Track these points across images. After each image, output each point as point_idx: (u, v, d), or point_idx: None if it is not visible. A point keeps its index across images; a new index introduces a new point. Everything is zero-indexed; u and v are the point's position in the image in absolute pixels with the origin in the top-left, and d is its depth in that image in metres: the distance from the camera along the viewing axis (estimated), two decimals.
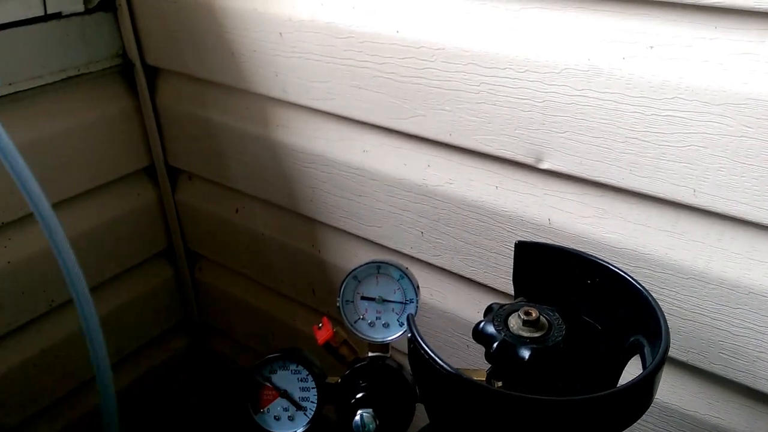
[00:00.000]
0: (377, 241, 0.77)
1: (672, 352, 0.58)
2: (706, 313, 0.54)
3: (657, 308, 0.43)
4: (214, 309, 1.10)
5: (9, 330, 0.83)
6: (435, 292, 0.75)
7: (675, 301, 0.56)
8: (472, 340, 0.45)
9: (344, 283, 0.48)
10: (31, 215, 0.60)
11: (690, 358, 0.57)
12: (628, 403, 0.39)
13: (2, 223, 0.78)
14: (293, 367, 0.48)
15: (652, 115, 0.50)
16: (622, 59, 0.50)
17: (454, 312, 0.73)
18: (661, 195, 0.53)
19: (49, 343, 0.88)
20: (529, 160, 0.59)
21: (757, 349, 0.53)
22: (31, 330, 0.86)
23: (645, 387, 0.38)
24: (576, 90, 0.53)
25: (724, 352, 0.55)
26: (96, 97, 0.86)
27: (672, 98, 0.48)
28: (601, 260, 0.47)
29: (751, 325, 0.52)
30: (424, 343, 0.40)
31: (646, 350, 0.43)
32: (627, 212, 0.56)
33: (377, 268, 0.48)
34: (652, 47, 0.48)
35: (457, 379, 0.38)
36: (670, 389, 0.61)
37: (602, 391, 0.37)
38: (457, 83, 0.60)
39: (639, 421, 0.64)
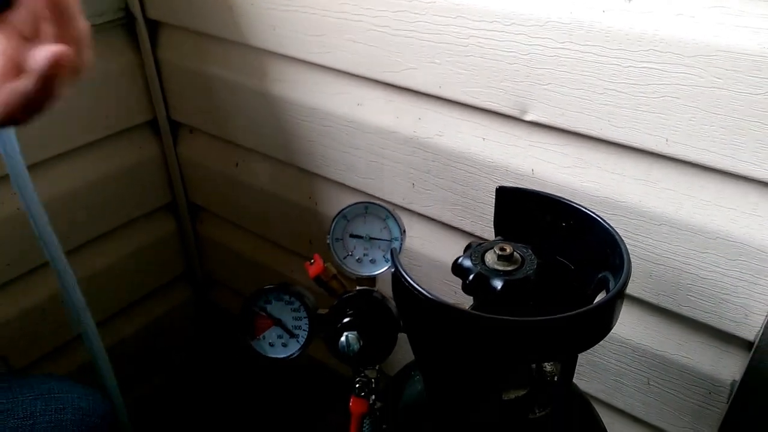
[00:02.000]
0: (371, 193, 0.80)
1: (644, 295, 0.62)
2: (676, 258, 0.58)
3: (622, 245, 0.46)
4: (215, 261, 1.14)
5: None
6: (425, 242, 0.79)
7: (648, 247, 0.59)
8: (460, 288, 0.48)
9: (334, 222, 0.52)
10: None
11: (660, 301, 0.61)
12: (588, 326, 0.42)
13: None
14: (287, 298, 0.52)
15: (629, 66, 0.52)
16: (602, 12, 0.52)
17: (443, 260, 0.77)
18: (636, 145, 0.55)
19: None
20: (514, 112, 0.62)
21: (723, 292, 0.56)
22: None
23: (604, 312, 0.42)
24: (558, 43, 0.55)
25: (692, 294, 0.58)
26: (99, 51, 0.87)
27: (647, 50, 0.51)
28: (574, 203, 0.50)
29: (717, 269, 0.56)
30: (405, 273, 0.44)
31: (611, 284, 0.46)
32: (604, 162, 0.59)
33: (365, 208, 0.52)
34: (630, 0, 0.50)
35: (434, 303, 0.41)
36: (643, 331, 0.65)
37: (562, 314, 0.40)
38: (447, 36, 0.62)
39: (614, 361, 0.68)
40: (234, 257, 1.08)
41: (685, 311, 0.60)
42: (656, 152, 0.55)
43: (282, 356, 0.52)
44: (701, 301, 0.58)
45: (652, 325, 0.64)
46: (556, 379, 0.54)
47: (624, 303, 0.63)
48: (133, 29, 0.91)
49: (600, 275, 0.49)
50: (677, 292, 0.59)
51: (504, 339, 0.42)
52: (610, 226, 0.48)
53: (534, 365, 0.55)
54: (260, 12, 0.76)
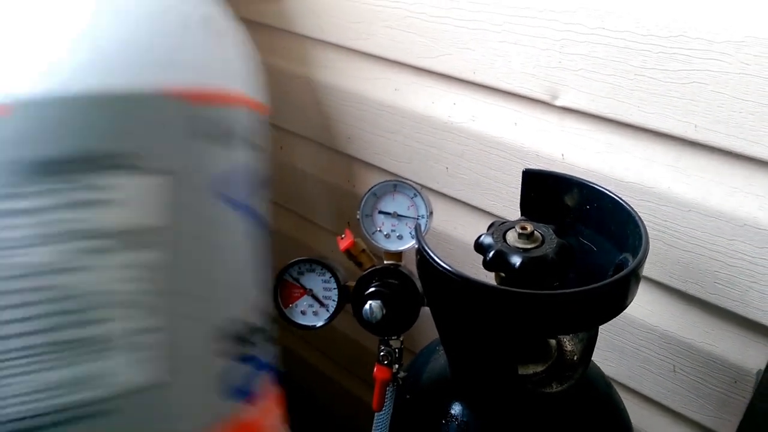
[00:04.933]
0: (407, 176, 0.83)
1: (672, 282, 0.62)
2: (703, 245, 0.58)
3: (642, 226, 0.47)
4: None
5: None
6: (458, 226, 0.81)
7: (675, 233, 0.60)
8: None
9: (364, 199, 0.54)
10: None
11: (688, 288, 0.61)
12: (603, 302, 0.44)
13: None
14: (318, 269, 0.55)
15: (660, 53, 0.53)
16: None
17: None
18: (665, 131, 0.56)
19: None
20: (545, 97, 0.63)
21: (750, 279, 0.56)
22: None
23: (618, 288, 0.43)
24: (589, 29, 0.56)
25: (719, 282, 0.59)
26: None
27: (677, 36, 0.51)
28: (597, 186, 0.51)
29: (745, 256, 0.56)
30: (428, 248, 0.46)
31: (629, 264, 0.47)
32: (634, 147, 0.59)
33: (394, 186, 0.54)
34: None
35: (453, 275, 0.44)
36: (670, 318, 0.65)
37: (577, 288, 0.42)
38: (481, 23, 0.64)
39: (641, 348, 0.68)
40: (277, 236, 1.12)
41: (712, 299, 0.60)
42: (685, 138, 0.55)
43: (311, 324, 0.55)
44: (728, 288, 0.58)
45: (680, 312, 0.64)
46: (576, 358, 0.56)
47: (652, 290, 0.64)
48: None
49: (621, 257, 0.50)
50: (704, 279, 0.59)
51: (521, 312, 0.43)
52: (632, 208, 0.49)
53: (555, 344, 0.57)
54: (304, 0, 0.79)
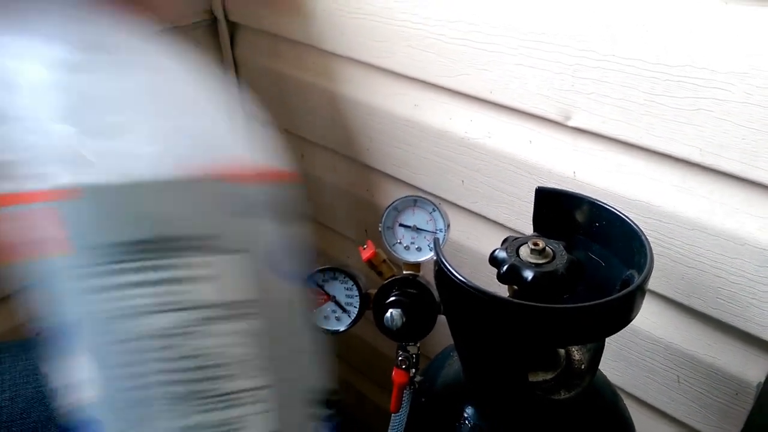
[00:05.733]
0: (423, 188, 0.86)
1: (677, 296, 0.65)
2: (706, 262, 0.61)
3: (647, 245, 0.50)
4: None
5: None
6: (472, 236, 0.84)
7: (680, 250, 0.62)
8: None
9: (386, 212, 0.58)
10: None
11: (692, 303, 0.64)
12: (609, 315, 0.47)
13: None
14: (341, 277, 0.58)
15: (667, 80, 0.56)
16: (642, 27, 0.56)
17: (487, 253, 0.82)
18: (672, 153, 0.59)
19: None
20: (558, 118, 0.66)
21: (750, 296, 0.59)
22: None
23: (624, 303, 0.46)
24: (601, 55, 0.59)
25: (721, 297, 0.61)
26: (185, 49, 0.98)
27: (684, 65, 0.54)
28: (607, 205, 0.55)
29: (746, 274, 0.59)
30: (446, 261, 0.50)
31: (635, 281, 0.50)
32: (643, 168, 0.63)
33: (414, 201, 0.58)
34: (669, 18, 0.54)
35: (469, 287, 0.47)
36: (675, 331, 0.68)
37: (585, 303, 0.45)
38: (499, 46, 0.67)
39: (646, 358, 0.71)
40: None
41: (714, 313, 0.63)
42: (691, 161, 0.58)
43: (334, 329, 0.59)
44: (730, 304, 0.61)
45: (684, 325, 0.67)
46: (583, 367, 0.59)
47: (657, 303, 0.67)
48: (216, 30, 1.01)
49: (627, 273, 0.53)
50: (707, 294, 0.62)
51: (532, 323, 0.47)
52: (638, 227, 0.52)
53: (564, 353, 0.60)
54: (330, 18, 0.83)
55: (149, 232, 0.24)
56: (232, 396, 0.25)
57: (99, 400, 0.26)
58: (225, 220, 0.26)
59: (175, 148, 0.25)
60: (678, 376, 0.69)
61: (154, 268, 0.24)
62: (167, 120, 0.26)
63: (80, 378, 0.26)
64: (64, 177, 0.24)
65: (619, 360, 0.74)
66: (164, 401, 0.24)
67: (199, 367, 0.24)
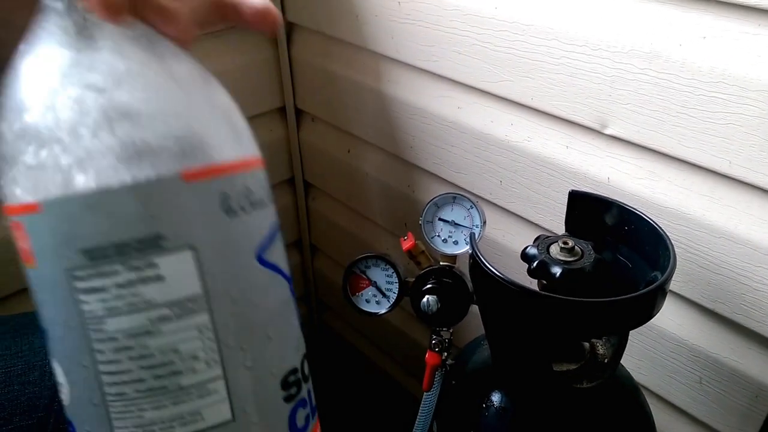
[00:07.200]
0: (463, 186, 0.91)
1: (702, 301, 0.68)
2: (732, 269, 0.64)
3: (671, 249, 0.53)
4: (321, 233, 1.30)
5: None
6: (507, 234, 0.88)
7: (707, 257, 0.65)
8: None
9: (427, 207, 0.63)
10: None
11: (716, 307, 0.67)
12: (631, 311, 0.51)
13: None
14: (383, 265, 0.64)
15: (700, 95, 0.59)
16: (678, 45, 0.59)
17: (519, 251, 0.86)
18: (702, 164, 0.62)
19: None
20: (595, 126, 0.70)
21: None
22: None
23: (645, 300, 0.50)
24: (639, 69, 0.63)
25: (745, 303, 0.64)
26: (246, 46, 1.05)
27: (716, 82, 0.57)
28: (636, 210, 0.58)
29: None
30: (481, 254, 0.54)
31: (657, 281, 0.54)
32: (674, 176, 0.66)
33: (453, 198, 0.62)
34: (704, 38, 0.57)
35: (501, 280, 0.52)
36: (699, 333, 0.71)
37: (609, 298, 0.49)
38: (541, 55, 0.71)
39: (671, 359, 0.74)
40: (338, 232, 1.23)
41: (738, 318, 0.65)
42: (720, 172, 0.61)
43: (375, 311, 0.64)
44: (753, 310, 0.64)
45: (708, 328, 0.70)
46: (606, 361, 0.63)
47: (683, 306, 0.70)
48: None
49: (652, 274, 0.57)
50: (732, 300, 0.65)
51: (559, 315, 0.51)
52: (664, 232, 0.55)
53: (588, 347, 0.64)
54: (382, 22, 0.88)
55: (101, 240, 0.26)
56: (180, 390, 0.27)
57: (67, 402, 0.29)
58: (182, 219, 0.27)
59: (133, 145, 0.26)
60: (701, 377, 0.72)
61: (112, 274, 0.26)
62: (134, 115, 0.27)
63: (59, 380, 0.29)
64: (27, 191, 0.26)
65: (645, 359, 0.77)
66: (120, 402, 0.27)
67: (152, 366, 0.27)
